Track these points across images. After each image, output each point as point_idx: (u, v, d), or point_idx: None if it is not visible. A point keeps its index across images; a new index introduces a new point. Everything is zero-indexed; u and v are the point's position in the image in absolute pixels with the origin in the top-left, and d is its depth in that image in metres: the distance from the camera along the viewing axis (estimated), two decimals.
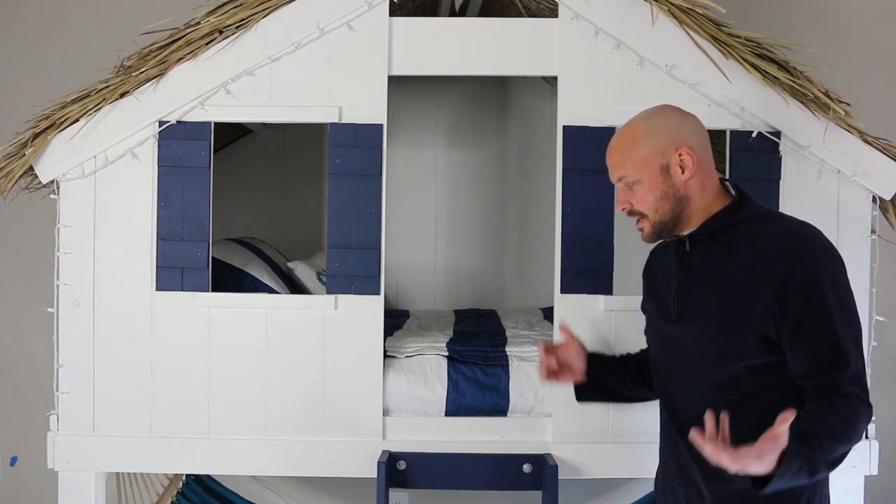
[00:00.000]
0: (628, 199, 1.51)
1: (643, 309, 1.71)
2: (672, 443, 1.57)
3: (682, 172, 1.47)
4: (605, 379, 1.75)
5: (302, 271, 2.53)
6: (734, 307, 1.43)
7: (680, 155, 1.47)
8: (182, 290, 2.03)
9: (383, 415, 2.05)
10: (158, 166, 2.02)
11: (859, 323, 1.41)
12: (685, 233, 1.53)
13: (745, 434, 1.39)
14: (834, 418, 1.32)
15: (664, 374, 1.60)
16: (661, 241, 1.59)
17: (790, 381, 1.42)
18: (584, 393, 1.78)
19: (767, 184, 1.99)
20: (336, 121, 2.01)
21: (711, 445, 1.24)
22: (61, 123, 1.99)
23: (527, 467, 2.00)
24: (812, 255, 1.37)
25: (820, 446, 1.28)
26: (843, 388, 1.35)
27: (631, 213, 1.52)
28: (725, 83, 1.96)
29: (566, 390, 2.03)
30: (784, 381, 1.43)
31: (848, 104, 1.98)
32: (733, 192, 1.52)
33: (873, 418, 1.99)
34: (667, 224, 1.50)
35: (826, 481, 1.49)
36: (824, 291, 1.36)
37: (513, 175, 3.29)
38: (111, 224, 2.03)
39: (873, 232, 2.02)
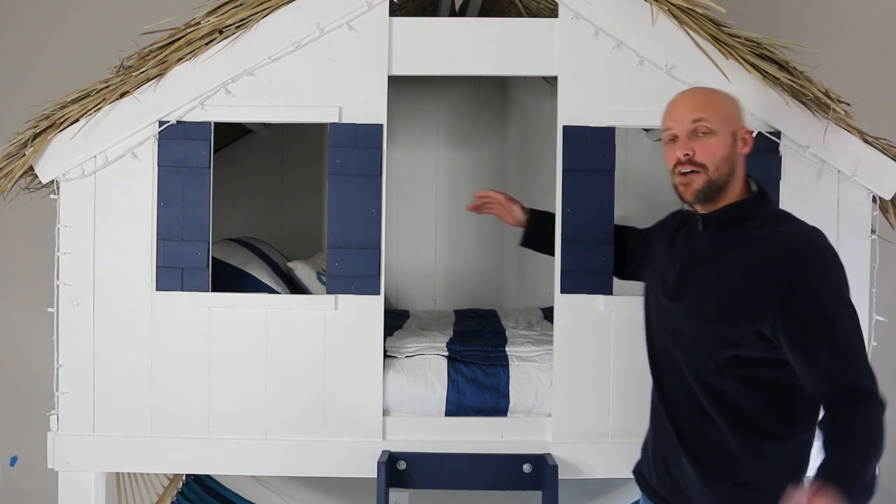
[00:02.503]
0: (693, 147, 1.51)
1: (645, 271, 1.78)
2: (660, 416, 1.62)
3: (744, 147, 1.55)
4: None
5: (302, 271, 2.53)
6: (732, 298, 1.46)
7: (744, 132, 1.55)
8: (182, 290, 2.03)
9: (383, 415, 2.05)
10: (158, 166, 2.02)
11: (860, 326, 1.42)
12: (702, 211, 1.56)
13: (727, 422, 1.48)
14: (860, 439, 1.33)
15: (655, 347, 1.65)
16: (684, 207, 1.66)
17: (776, 377, 1.46)
18: (530, 240, 2.08)
19: (767, 184, 1.98)
20: (336, 121, 2.01)
21: None
22: (61, 123, 1.99)
23: (527, 467, 2.00)
24: (820, 261, 1.41)
25: (858, 477, 1.30)
26: (861, 388, 1.37)
27: (689, 162, 1.51)
28: (725, 83, 1.96)
29: (566, 390, 2.03)
30: (770, 376, 1.46)
31: (848, 104, 1.98)
32: (754, 188, 1.57)
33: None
34: (717, 186, 1.52)
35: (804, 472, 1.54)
36: (832, 298, 1.39)
37: (513, 175, 3.28)
38: (111, 224, 2.03)
39: (873, 232, 2.02)
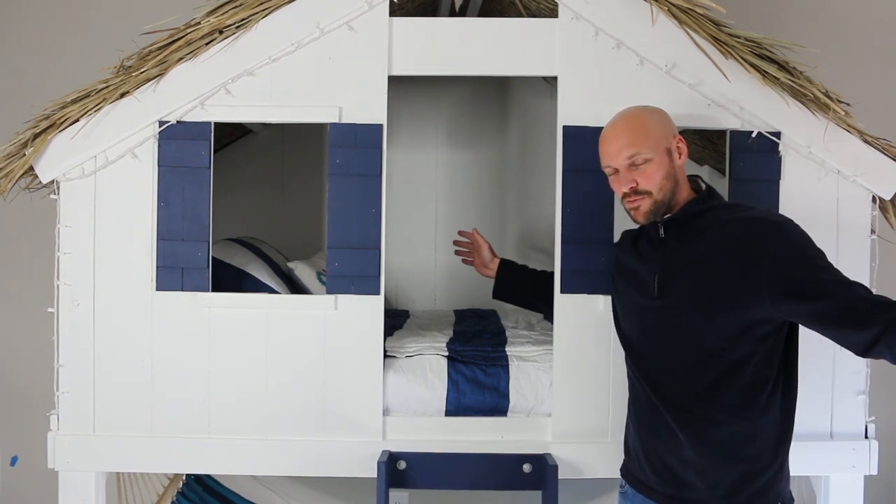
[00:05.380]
0: (634, 178, 1.61)
1: (613, 287, 1.86)
2: (653, 413, 1.66)
3: (679, 157, 1.65)
4: (524, 288, 2.14)
5: (302, 271, 2.53)
6: (724, 280, 1.52)
7: (677, 141, 1.65)
8: (182, 290, 2.03)
9: (383, 415, 2.05)
10: (158, 166, 2.02)
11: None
12: (660, 219, 1.64)
13: (731, 401, 1.54)
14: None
15: (645, 347, 1.69)
16: (635, 227, 1.77)
17: (775, 351, 1.53)
18: (504, 292, 2.17)
19: (767, 184, 2.00)
20: (336, 121, 2.01)
21: None
22: (61, 123, 1.99)
23: (527, 467, 2.00)
24: (790, 226, 1.52)
25: None
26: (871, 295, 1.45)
27: (636, 192, 1.61)
28: (725, 83, 1.96)
29: (566, 390, 2.03)
30: (769, 351, 1.53)
31: (848, 104, 1.98)
32: (703, 185, 1.68)
33: (873, 418, 2.02)
34: (664, 204, 1.62)
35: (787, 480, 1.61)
36: (814, 250, 1.50)
37: (513, 175, 3.28)
38: (111, 224, 2.03)
39: (873, 232, 2.02)
